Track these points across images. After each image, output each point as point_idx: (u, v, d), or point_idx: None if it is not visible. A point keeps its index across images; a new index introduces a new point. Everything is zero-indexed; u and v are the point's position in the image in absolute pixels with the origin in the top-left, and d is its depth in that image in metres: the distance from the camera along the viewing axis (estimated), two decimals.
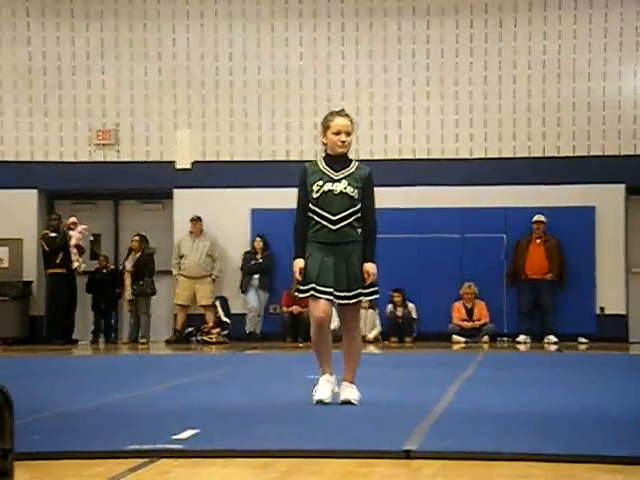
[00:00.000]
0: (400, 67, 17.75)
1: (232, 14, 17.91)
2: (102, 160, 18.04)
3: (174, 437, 5.63)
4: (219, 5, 17.93)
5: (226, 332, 17.43)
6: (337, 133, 7.18)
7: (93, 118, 18.05)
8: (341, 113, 7.29)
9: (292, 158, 17.74)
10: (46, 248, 17.29)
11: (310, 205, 7.16)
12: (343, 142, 7.17)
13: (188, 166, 17.93)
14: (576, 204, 17.21)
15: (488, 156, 17.59)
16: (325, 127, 7.24)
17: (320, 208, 7.14)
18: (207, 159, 17.92)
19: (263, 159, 17.84)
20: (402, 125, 17.70)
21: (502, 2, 17.57)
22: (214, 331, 17.29)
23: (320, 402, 7.14)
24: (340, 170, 7.19)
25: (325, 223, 7.14)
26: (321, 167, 7.22)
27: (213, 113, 17.97)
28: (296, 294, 7.35)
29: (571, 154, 17.46)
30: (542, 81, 17.57)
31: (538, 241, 17.17)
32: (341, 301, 7.17)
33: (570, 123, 17.52)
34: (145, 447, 5.33)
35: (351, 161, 7.29)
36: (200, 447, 5.40)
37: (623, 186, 17.36)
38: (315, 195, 7.13)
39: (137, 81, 18.01)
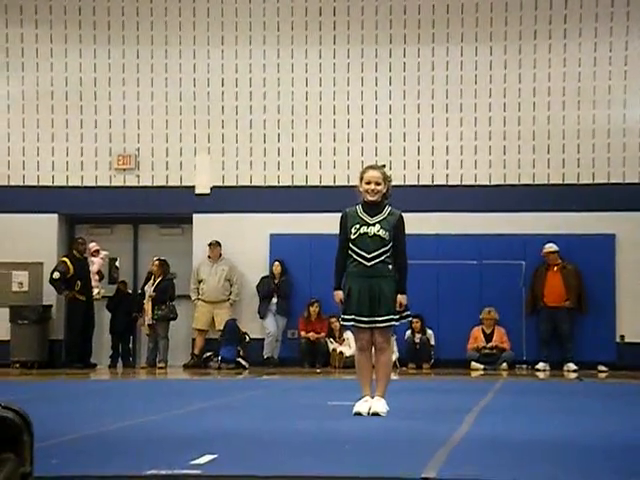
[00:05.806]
0: (419, 93, 17.79)
1: (252, 40, 18.01)
2: (122, 185, 18.13)
3: (192, 462, 5.63)
4: (239, 32, 18.03)
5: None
6: (368, 183, 8.44)
7: (114, 143, 18.15)
8: (374, 166, 8.68)
9: (311, 183, 17.80)
10: (58, 275, 17.28)
11: (349, 244, 8.44)
12: (372, 190, 8.41)
13: (207, 191, 18.00)
14: (596, 231, 17.15)
15: (507, 182, 17.58)
16: (360, 178, 8.51)
17: (357, 247, 8.44)
18: (226, 184, 17.98)
19: (282, 184, 17.88)
20: (420, 151, 17.73)
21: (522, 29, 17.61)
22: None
23: (358, 414, 8.34)
24: (374, 215, 8.46)
25: (361, 260, 8.44)
26: (359, 212, 8.50)
27: (233, 138, 18.04)
28: (341, 322, 8.77)
29: (591, 181, 17.42)
30: (562, 108, 17.57)
31: (555, 268, 17.11)
32: (373, 325, 8.44)
33: (590, 150, 17.49)
34: (163, 472, 5.33)
35: (384, 207, 8.51)
36: (218, 472, 5.40)
37: None
38: (353, 236, 8.43)
39: (158, 106, 18.11)
